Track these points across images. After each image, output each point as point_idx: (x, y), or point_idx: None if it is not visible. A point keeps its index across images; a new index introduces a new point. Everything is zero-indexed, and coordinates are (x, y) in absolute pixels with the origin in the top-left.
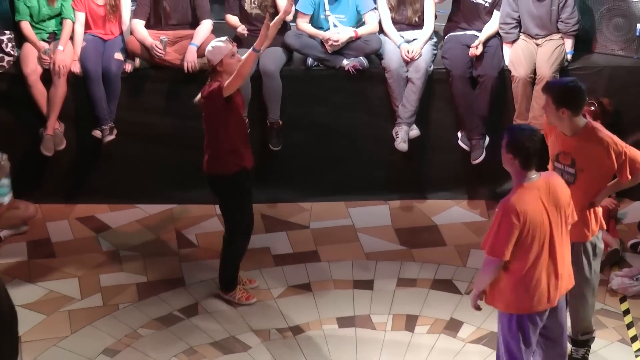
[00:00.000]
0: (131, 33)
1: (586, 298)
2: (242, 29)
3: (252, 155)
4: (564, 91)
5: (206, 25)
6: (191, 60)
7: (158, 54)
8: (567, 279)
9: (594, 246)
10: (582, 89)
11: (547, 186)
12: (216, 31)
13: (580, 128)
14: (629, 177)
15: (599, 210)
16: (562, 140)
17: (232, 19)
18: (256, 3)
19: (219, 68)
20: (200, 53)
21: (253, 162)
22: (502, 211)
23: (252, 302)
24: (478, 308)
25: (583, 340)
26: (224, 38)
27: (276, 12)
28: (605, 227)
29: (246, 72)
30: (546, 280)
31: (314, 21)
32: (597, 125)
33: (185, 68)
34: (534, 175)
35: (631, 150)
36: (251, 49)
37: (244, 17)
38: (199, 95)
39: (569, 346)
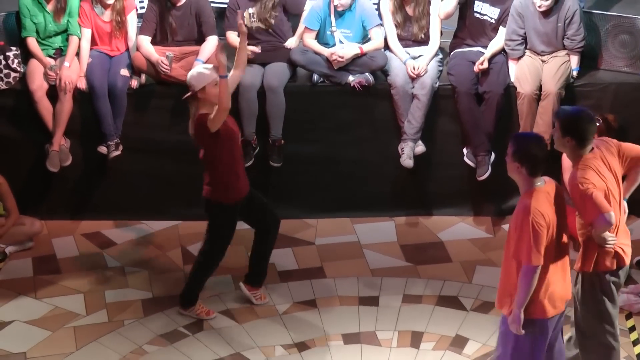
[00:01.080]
0: (137, 49)
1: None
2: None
3: (247, 182)
4: (571, 120)
5: (212, 41)
6: None
7: (164, 69)
8: (569, 287)
9: (587, 280)
10: (591, 121)
11: (553, 191)
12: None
13: (578, 158)
14: (586, 220)
15: (598, 249)
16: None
17: (233, 38)
18: (255, 17)
19: (199, 95)
20: None
21: (247, 188)
22: (524, 216)
23: (212, 317)
24: (520, 331)
25: None
26: (210, 66)
27: (274, 24)
28: (614, 267)
29: (227, 103)
30: (558, 285)
31: (320, 37)
32: (586, 161)
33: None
34: (540, 181)
35: (594, 195)
36: (220, 76)
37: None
38: (190, 128)
39: None
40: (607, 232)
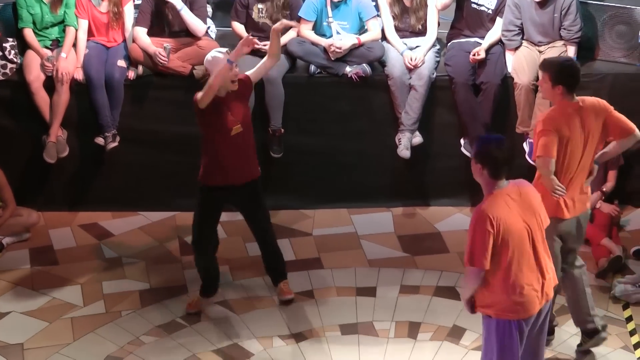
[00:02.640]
0: (133, 41)
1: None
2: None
3: (236, 177)
4: (562, 69)
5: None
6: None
7: (162, 61)
8: (551, 283)
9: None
10: (578, 67)
11: (519, 192)
12: (219, 39)
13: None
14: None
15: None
16: None
17: (239, 28)
18: (265, 14)
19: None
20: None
21: (235, 182)
22: (475, 220)
23: (190, 311)
24: (473, 312)
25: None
26: (225, 50)
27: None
28: (564, 216)
29: (217, 84)
30: (532, 286)
31: (317, 28)
32: (556, 109)
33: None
34: (503, 183)
35: (543, 138)
36: (226, 60)
37: (251, 26)
38: None
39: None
40: (555, 181)
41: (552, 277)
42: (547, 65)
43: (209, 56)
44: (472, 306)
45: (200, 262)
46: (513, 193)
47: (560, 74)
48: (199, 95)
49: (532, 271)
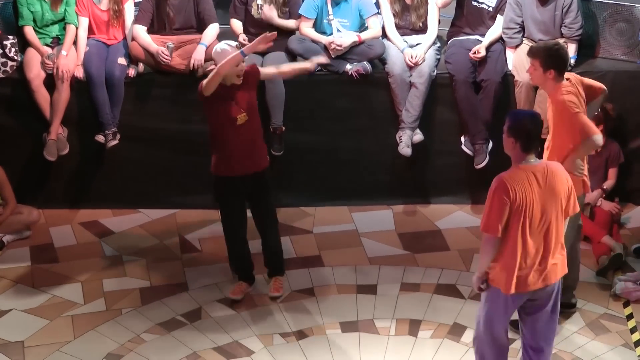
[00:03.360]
0: (133, 39)
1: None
2: (242, 38)
3: (245, 167)
4: (551, 54)
5: (214, 28)
6: (199, 59)
7: (164, 60)
8: (556, 269)
9: None
10: (566, 51)
11: (545, 172)
12: (220, 36)
13: (556, 88)
14: (576, 143)
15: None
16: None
17: (236, 25)
18: (263, 9)
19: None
20: (207, 56)
21: (244, 172)
22: (494, 188)
23: (234, 297)
24: (482, 290)
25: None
26: (235, 43)
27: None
28: (589, 190)
29: (223, 71)
30: (532, 265)
31: (317, 26)
32: (566, 87)
33: (191, 65)
34: (532, 159)
35: (580, 118)
36: (239, 50)
37: (250, 22)
38: None
39: None
40: (579, 160)
41: (559, 265)
42: (536, 52)
43: (217, 48)
44: (485, 281)
45: (233, 249)
46: (539, 172)
47: (550, 59)
48: (204, 82)
49: (537, 251)
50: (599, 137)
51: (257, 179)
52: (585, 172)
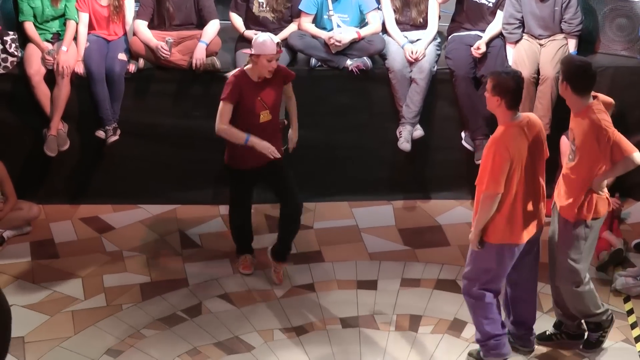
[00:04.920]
0: (134, 34)
1: (570, 287)
2: (246, 35)
3: (261, 160)
4: (571, 68)
5: (214, 24)
6: (200, 57)
7: (164, 55)
8: (543, 213)
9: (585, 230)
10: (590, 70)
11: (529, 123)
12: (220, 32)
13: (582, 108)
14: (611, 163)
15: (596, 197)
16: (572, 117)
17: (237, 21)
18: (265, 6)
19: (254, 58)
20: (208, 53)
21: (258, 165)
22: (494, 147)
23: (246, 272)
24: (478, 247)
25: (593, 323)
26: (278, 40)
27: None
28: (600, 214)
29: (239, 141)
30: (532, 212)
31: (317, 21)
32: (596, 106)
33: (194, 64)
34: (518, 114)
35: (617, 137)
36: (246, 137)
37: (251, 19)
38: None
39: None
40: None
41: (544, 210)
42: (563, 61)
43: (260, 38)
44: (481, 240)
45: (235, 224)
46: (525, 125)
47: (569, 72)
48: (218, 121)
49: (534, 198)
50: (638, 155)
51: (271, 164)
52: (606, 190)
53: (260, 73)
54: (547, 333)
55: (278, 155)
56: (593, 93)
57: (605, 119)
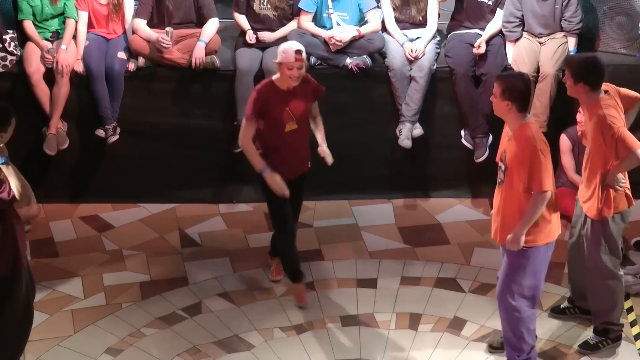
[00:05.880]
0: (133, 32)
1: (604, 281)
2: (250, 35)
3: (290, 171)
4: (582, 66)
5: (213, 23)
6: (199, 57)
7: (165, 45)
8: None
9: (609, 226)
10: (598, 61)
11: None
12: (220, 31)
13: (593, 103)
14: (617, 158)
15: (613, 192)
16: (583, 112)
17: (241, 19)
18: (266, 4)
19: (277, 67)
20: (207, 52)
21: (292, 174)
22: (532, 148)
23: (275, 278)
24: (521, 247)
25: (602, 329)
26: (299, 47)
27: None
28: (620, 209)
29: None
30: (558, 208)
31: (317, 20)
32: (604, 101)
33: (193, 64)
34: (527, 115)
35: (623, 132)
36: (263, 167)
37: (252, 17)
38: None
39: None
40: (620, 174)
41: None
42: (568, 61)
43: (285, 45)
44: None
45: (286, 246)
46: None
47: (580, 71)
48: (241, 137)
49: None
50: None
51: (296, 183)
52: (627, 184)
53: (285, 82)
54: (561, 306)
55: (287, 196)
56: (604, 86)
57: (612, 115)
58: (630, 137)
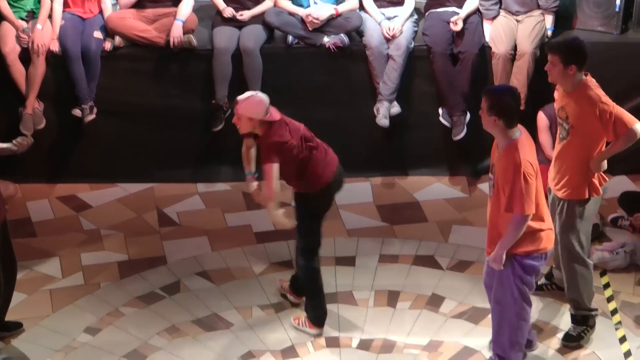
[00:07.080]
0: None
1: (572, 264)
2: (229, 12)
3: (324, 179)
4: (573, 49)
5: (189, 1)
6: (177, 35)
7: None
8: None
9: (583, 208)
10: (582, 42)
11: (528, 138)
12: (197, 10)
13: (577, 84)
14: (614, 137)
15: (596, 176)
16: (562, 95)
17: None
18: None
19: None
20: (185, 31)
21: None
22: (516, 169)
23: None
24: (501, 268)
25: (580, 316)
26: (271, 108)
27: None
28: (600, 193)
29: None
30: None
31: None
32: (590, 82)
33: (171, 43)
34: (517, 132)
35: (618, 110)
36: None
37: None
38: None
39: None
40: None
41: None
42: (555, 47)
43: (250, 98)
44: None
45: (319, 279)
46: (525, 137)
47: (571, 53)
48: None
49: (545, 208)
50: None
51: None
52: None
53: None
54: (539, 283)
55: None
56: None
57: (604, 94)
58: (626, 114)
